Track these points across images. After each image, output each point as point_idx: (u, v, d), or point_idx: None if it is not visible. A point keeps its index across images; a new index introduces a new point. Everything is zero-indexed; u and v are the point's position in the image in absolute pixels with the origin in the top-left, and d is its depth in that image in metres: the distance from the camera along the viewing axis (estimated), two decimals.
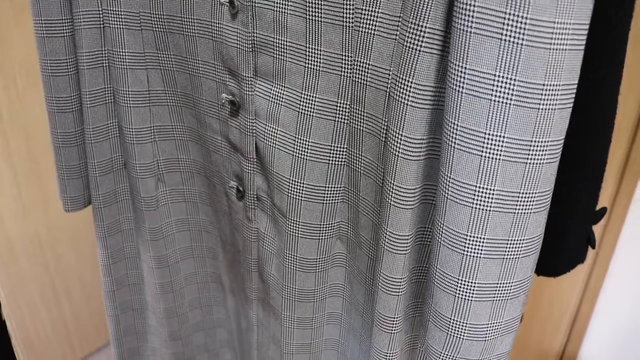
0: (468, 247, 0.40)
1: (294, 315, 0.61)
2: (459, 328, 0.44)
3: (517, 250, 0.41)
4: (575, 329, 1.13)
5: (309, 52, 0.47)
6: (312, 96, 0.49)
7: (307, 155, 0.51)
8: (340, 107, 0.48)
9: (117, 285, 0.76)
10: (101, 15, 0.60)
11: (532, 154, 0.37)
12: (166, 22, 0.57)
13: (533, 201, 0.39)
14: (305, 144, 0.51)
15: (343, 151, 0.51)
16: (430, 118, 0.41)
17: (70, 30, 0.61)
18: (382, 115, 0.45)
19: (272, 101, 0.52)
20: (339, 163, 0.51)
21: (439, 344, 0.45)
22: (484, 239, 0.40)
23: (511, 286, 0.42)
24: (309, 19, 0.46)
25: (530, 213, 0.39)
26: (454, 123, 0.38)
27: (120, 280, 0.77)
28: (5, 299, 1.07)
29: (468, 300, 0.42)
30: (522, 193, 0.38)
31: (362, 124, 0.48)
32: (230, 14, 0.51)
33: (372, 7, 0.42)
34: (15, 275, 1.07)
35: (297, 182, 0.53)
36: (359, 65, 0.45)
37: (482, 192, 0.38)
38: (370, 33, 0.43)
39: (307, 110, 0.50)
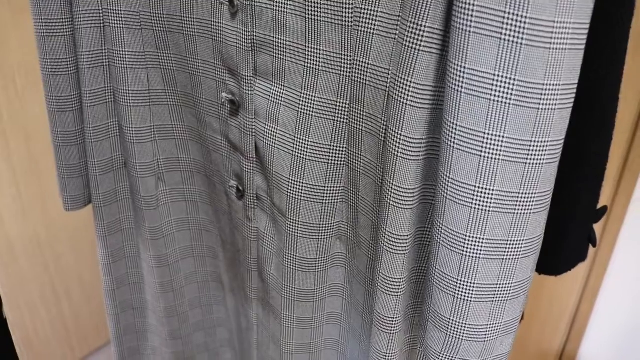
0: (467, 248, 0.40)
1: (294, 314, 0.61)
2: (458, 328, 0.44)
3: (517, 251, 0.41)
4: (575, 329, 1.13)
5: (308, 51, 0.47)
6: (312, 95, 0.49)
7: (306, 155, 0.51)
8: (339, 106, 0.48)
9: (117, 284, 0.76)
10: (101, 15, 0.60)
11: (531, 154, 0.37)
12: (166, 21, 0.57)
13: (533, 201, 0.39)
14: (305, 144, 0.51)
15: (342, 151, 0.50)
16: (430, 118, 0.41)
17: (70, 30, 0.61)
18: (382, 114, 0.45)
19: (271, 100, 0.52)
20: (339, 162, 0.51)
21: (438, 345, 0.45)
22: (483, 239, 0.40)
23: (511, 287, 0.42)
24: (308, 18, 0.46)
25: (530, 213, 0.39)
26: (453, 123, 0.38)
27: (120, 279, 0.77)
28: (5, 299, 1.07)
29: (467, 300, 0.42)
30: (522, 193, 0.38)
31: (361, 124, 0.48)
32: (230, 13, 0.51)
33: (372, 6, 0.42)
34: (15, 275, 1.07)
35: (297, 181, 0.53)
36: (359, 65, 0.45)
37: (482, 192, 0.38)
38: (370, 32, 0.43)
39: (307, 110, 0.50)
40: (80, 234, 1.15)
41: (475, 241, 0.40)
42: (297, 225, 0.55)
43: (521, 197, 0.38)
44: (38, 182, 1.04)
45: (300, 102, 0.50)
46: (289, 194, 0.54)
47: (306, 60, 0.48)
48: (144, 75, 0.62)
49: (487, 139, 0.37)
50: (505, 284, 0.42)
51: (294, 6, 0.46)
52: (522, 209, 0.39)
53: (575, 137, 0.47)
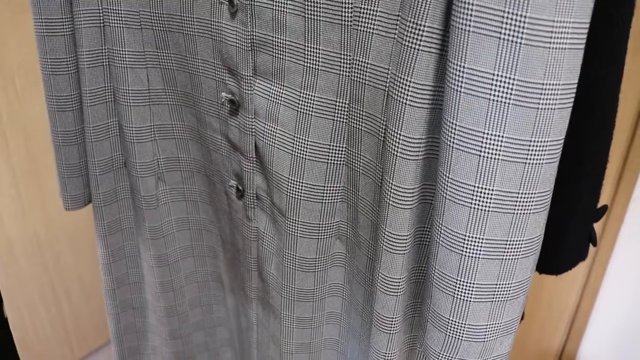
0: (466, 248, 0.40)
1: (293, 314, 0.61)
2: (457, 329, 0.43)
3: (517, 251, 0.40)
4: (575, 328, 1.13)
5: (307, 51, 0.47)
6: (311, 95, 0.49)
7: (306, 155, 0.51)
8: (339, 106, 0.48)
9: (117, 283, 0.76)
10: (101, 14, 0.60)
11: (531, 154, 0.37)
12: (166, 20, 0.57)
13: (532, 202, 0.39)
14: (304, 143, 0.51)
15: (342, 150, 0.50)
16: (429, 117, 0.41)
17: (70, 29, 0.61)
18: (381, 114, 0.45)
19: (271, 100, 0.52)
20: (338, 162, 0.51)
21: (437, 345, 0.45)
22: (482, 239, 0.40)
23: (510, 287, 0.42)
24: (307, 17, 0.46)
25: (530, 214, 0.39)
26: (452, 122, 0.37)
27: (120, 279, 0.77)
28: (5, 299, 1.07)
29: (467, 301, 0.42)
30: (521, 193, 0.38)
31: (361, 123, 0.48)
32: (229, 13, 0.51)
33: (371, 5, 0.42)
34: (14, 275, 1.07)
35: (296, 181, 0.53)
36: (358, 64, 0.45)
37: (481, 192, 0.38)
38: (369, 32, 0.43)
39: (306, 109, 0.50)
40: (80, 234, 1.15)
41: (475, 241, 0.40)
42: (296, 224, 0.55)
43: (521, 197, 0.38)
44: (37, 183, 1.04)
45: (300, 102, 0.50)
46: (288, 194, 0.54)
47: (306, 60, 0.48)
48: (143, 75, 0.62)
49: (487, 138, 0.37)
50: (505, 284, 0.42)
51: (294, 5, 0.46)
52: (521, 209, 0.39)
53: (576, 136, 0.46)
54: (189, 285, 0.77)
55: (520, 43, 0.34)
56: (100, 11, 0.60)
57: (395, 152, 0.43)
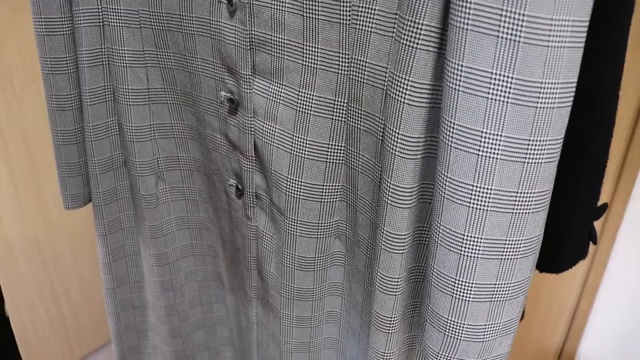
0: (465, 247, 0.40)
1: (293, 313, 0.61)
2: (456, 329, 0.43)
3: (516, 251, 0.40)
4: (574, 326, 1.13)
5: (306, 49, 0.47)
6: (310, 94, 0.49)
7: (304, 154, 0.51)
8: (337, 105, 0.48)
9: (117, 282, 0.76)
10: (101, 13, 0.60)
11: (530, 153, 0.37)
12: (165, 20, 0.57)
13: (531, 201, 0.38)
14: (303, 142, 0.51)
15: (341, 149, 0.50)
16: (427, 116, 0.41)
17: (70, 29, 0.61)
18: (380, 113, 0.45)
19: (270, 99, 0.52)
20: (337, 161, 0.51)
21: (436, 345, 0.45)
22: (481, 238, 0.39)
23: (509, 287, 0.42)
24: (306, 16, 0.45)
25: (529, 213, 0.39)
26: (450, 121, 0.37)
27: (120, 278, 0.77)
28: (4, 299, 1.08)
29: (465, 300, 0.42)
30: (520, 193, 0.38)
31: (359, 122, 0.48)
32: (228, 12, 0.51)
33: (369, 4, 0.42)
34: (14, 275, 1.07)
35: (295, 180, 0.53)
36: (356, 63, 0.45)
37: (479, 191, 0.38)
38: (367, 30, 0.43)
39: (305, 108, 0.50)
40: (79, 234, 1.15)
41: (473, 241, 0.40)
42: (295, 224, 0.55)
43: (519, 197, 0.38)
44: (36, 183, 1.05)
45: (299, 101, 0.50)
46: (287, 193, 0.54)
47: (304, 59, 0.48)
48: (143, 74, 0.62)
49: (485, 137, 0.36)
50: (504, 284, 0.42)
51: (292, 4, 0.46)
52: (520, 209, 0.39)
53: (576, 135, 0.46)
54: (189, 284, 0.77)
55: (519, 41, 0.33)
56: (100, 10, 0.60)
57: (394, 151, 0.43)
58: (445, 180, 0.39)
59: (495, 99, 0.35)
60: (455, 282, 0.42)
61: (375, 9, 0.42)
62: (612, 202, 0.99)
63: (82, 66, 0.62)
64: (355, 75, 0.45)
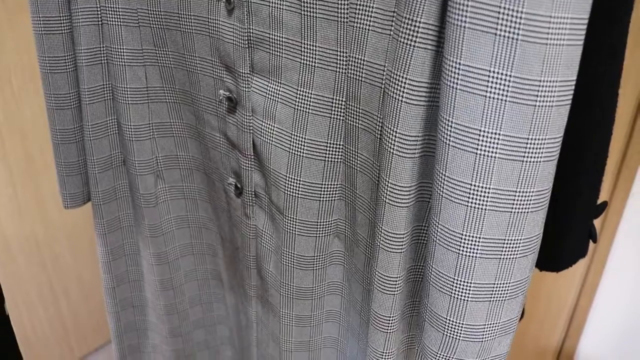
0: (463, 247, 0.40)
1: (292, 312, 0.61)
2: (455, 328, 0.43)
3: (515, 250, 0.40)
4: (574, 325, 1.12)
5: (304, 48, 0.47)
6: (308, 93, 0.48)
7: (303, 152, 0.51)
8: (335, 103, 0.48)
9: (117, 282, 0.76)
10: (99, 12, 0.60)
11: (528, 152, 0.36)
12: (163, 18, 0.57)
13: (530, 200, 0.38)
14: (302, 141, 0.51)
15: (339, 148, 0.50)
16: (425, 115, 0.41)
17: (68, 28, 0.60)
18: (378, 111, 0.45)
19: (268, 97, 0.52)
20: (336, 160, 0.51)
21: (435, 344, 0.45)
22: (479, 238, 0.39)
23: (508, 286, 0.42)
24: (304, 14, 0.45)
25: (528, 212, 0.39)
26: (448, 120, 0.37)
27: (120, 277, 0.77)
28: (4, 297, 1.08)
29: (464, 300, 0.42)
30: (519, 192, 0.38)
31: (357, 121, 0.47)
32: (226, 10, 0.51)
33: (367, 2, 0.41)
34: (13, 274, 1.07)
35: (294, 179, 0.52)
36: (354, 61, 0.45)
37: (478, 190, 0.38)
38: (365, 28, 0.43)
39: (303, 107, 0.49)
40: (78, 233, 1.15)
41: (472, 240, 0.39)
42: (294, 222, 0.54)
43: (518, 196, 0.38)
44: (34, 182, 1.05)
45: (297, 99, 0.49)
46: (286, 192, 0.54)
47: (302, 57, 0.47)
48: (142, 73, 0.62)
49: (483, 136, 0.36)
50: (503, 283, 0.41)
51: (290, 2, 0.46)
52: (519, 208, 0.38)
53: (575, 133, 0.46)
54: (188, 283, 0.77)
55: (517, 39, 0.33)
56: (98, 9, 0.59)
57: (392, 150, 0.42)
58: (444, 179, 0.39)
59: (494, 97, 0.35)
60: (454, 282, 0.41)
61: (373, 7, 0.41)
62: (611, 199, 0.99)
63: (81, 65, 0.62)
64: (354, 74, 0.45)
